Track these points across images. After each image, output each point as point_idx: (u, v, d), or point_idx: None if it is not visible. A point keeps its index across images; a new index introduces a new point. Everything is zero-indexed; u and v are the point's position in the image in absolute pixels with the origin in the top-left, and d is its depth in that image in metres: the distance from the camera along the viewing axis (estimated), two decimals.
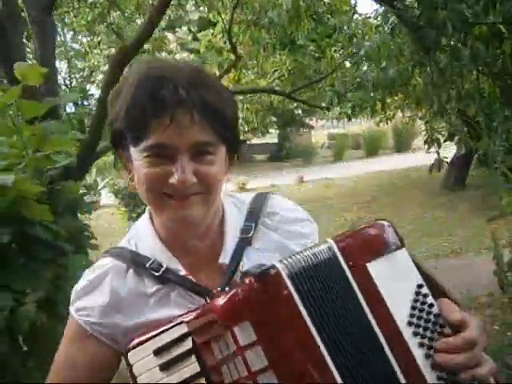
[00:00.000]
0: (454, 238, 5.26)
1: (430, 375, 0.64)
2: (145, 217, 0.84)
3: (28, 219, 1.47)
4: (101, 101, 2.14)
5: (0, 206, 1.25)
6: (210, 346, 0.64)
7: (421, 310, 0.67)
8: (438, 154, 2.61)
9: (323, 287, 0.66)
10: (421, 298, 0.67)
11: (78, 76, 17.09)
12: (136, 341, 0.68)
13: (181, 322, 0.66)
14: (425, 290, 0.68)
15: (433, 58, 2.39)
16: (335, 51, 3.17)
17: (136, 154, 0.72)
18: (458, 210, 6.75)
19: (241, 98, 7.76)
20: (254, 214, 0.84)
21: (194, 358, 0.64)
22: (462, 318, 0.66)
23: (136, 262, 0.78)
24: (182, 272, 0.77)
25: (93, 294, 0.78)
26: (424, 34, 2.20)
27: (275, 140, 18.85)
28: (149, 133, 0.69)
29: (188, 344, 0.65)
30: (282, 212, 0.86)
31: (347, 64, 2.88)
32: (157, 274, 0.76)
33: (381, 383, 0.64)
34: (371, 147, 16.66)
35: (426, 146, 3.12)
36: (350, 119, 3.01)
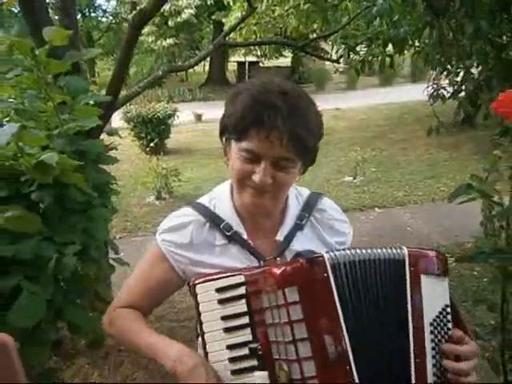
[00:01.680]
0: (453, 182, 5.42)
1: (430, 361, 0.86)
2: (226, 187, 1.07)
3: (65, 184, 1.72)
4: (119, 60, 2.25)
5: (46, 180, 1.47)
6: (260, 296, 0.87)
7: (441, 320, 0.88)
8: (438, 118, 2.72)
9: (369, 281, 0.86)
10: (444, 313, 0.89)
11: None
12: (204, 278, 0.91)
13: (240, 274, 0.90)
14: (448, 309, 0.89)
15: (441, 22, 2.44)
16: (350, 1, 3.15)
17: (235, 148, 0.95)
18: (463, 151, 6.83)
19: (254, 24, 7.57)
20: (309, 207, 1.08)
21: (244, 301, 0.88)
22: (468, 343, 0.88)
23: (213, 220, 1.02)
24: (245, 236, 1.02)
25: (176, 233, 1.03)
26: (434, 6, 2.25)
27: (289, 64, 18.29)
28: (248, 137, 0.91)
29: (242, 290, 0.89)
30: (330, 211, 1.10)
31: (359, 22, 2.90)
32: (227, 233, 1.01)
33: (394, 367, 0.84)
34: (386, 75, 16.17)
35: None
36: (358, 75, 3.08)
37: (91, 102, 2.15)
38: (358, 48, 3.15)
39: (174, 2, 11.32)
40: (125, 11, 15.74)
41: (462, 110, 2.66)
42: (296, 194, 1.10)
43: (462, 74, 2.67)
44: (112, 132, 2.55)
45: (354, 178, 5.94)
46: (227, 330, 0.89)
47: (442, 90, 3.20)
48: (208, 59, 19.69)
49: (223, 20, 10.98)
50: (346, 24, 3.02)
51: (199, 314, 0.91)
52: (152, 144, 7.03)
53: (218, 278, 0.91)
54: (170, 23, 14.09)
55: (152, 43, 14.79)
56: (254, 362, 0.87)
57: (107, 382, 2.56)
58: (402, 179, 5.90)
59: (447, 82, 3.09)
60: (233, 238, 1.01)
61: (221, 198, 1.06)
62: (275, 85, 0.93)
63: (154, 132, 7.30)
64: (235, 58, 21.25)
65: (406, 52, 3.31)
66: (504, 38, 2.35)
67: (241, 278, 0.89)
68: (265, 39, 4.64)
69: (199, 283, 0.91)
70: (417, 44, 3.07)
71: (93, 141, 2.14)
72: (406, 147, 7.56)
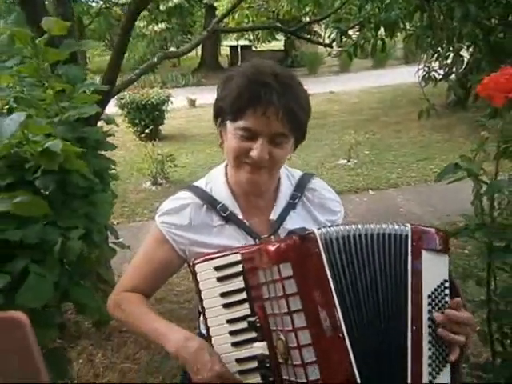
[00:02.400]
0: (445, 164, 5.48)
1: (427, 330, 0.89)
2: (221, 170, 1.12)
3: (68, 170, 1.76)
4: (116, 47, 2.28)
5: (52, 167, 1.52)
6: (256, 272, 0.91)
7: (439, 294, 0.91)
8: (429, 101, 2.78)
9: (365, 255, 0.89)
10: (442, 287, 0.91)
11: None
12: (203, 258, 0.96)
13: (237, 252, 0.94)
14: (447, 284, 0.92)
15: (431, 5, 2.49)
16: None
17: (231, 127, 0.99)
18: (455, 133, 6.91)
19: (247, 8, 7.53)
20: (301, 187, 1.13)
21: (241, 278, 0.93)
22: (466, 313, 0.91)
23: (210, 202, 1.07)
24: (241, 216, 1.06)
25: (176, 216, 1.07)
26: None
27: (282, 47, 18.16)
28: (245, 116, 0.95)
29: (239, 268, 0.93)
30: (321, 190, 1.15)
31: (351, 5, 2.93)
32: (223, 214, 1.06)
33: (388, 336, 0.88)
34: (379, 58, 16.12)
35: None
36: (351, 59, 3.11)
37: (90, 91, 2.19)
38: (350, 32, 3.18)
39: None
40: None
41: (453, 92, 2.71)
42: (288, 175, 1.15)
43: (452, 56, 2.72)
44: (110, 120, 2.58)
45: (348, 161, 6.01)
46: (226, 305, 0.93)
47: (434, 73, 3.24)
48: (200, 44, 19.50)
49: (215, 4, 10.89)
50: (338, 8, 3.06)
51: (199, 292, 0.95)
52: (147, 130, 7.03)
53: (216, 257, 0.95)
54: (162, 8, 13.94)
55: (144, 28, 14.65)
56: (253, 334, 0.92)
57: (111, 362, 2.66)
58: (395, 161, 5.99)
59: (438, 64, 3.13)
60: (229, 218, 1.06)
61: (216, 181, 1.11)
62: (266, 67, 0.98)
63: (148, 118, 7.30)
64: (227, 43, 21.04)
65: (397, 35, 3.34)
66: (492, 20, 2.40)
67: (237, 257, 0.94)
68: (257, 24, 4.64)
69: (198, 263, 0.96)
70: (408, 27, 3.10)
71: (92, 128, 2.19)
72: (399, 129, 7.64)
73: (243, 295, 0.93)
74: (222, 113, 1.02)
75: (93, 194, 2.03)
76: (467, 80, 2.71)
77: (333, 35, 3.22)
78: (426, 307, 0.89)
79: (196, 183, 1.13)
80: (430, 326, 0.89)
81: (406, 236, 0.90)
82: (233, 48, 19.54)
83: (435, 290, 0.91)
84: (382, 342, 0.87)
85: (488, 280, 1.47)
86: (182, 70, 16.95)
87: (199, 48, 20.64)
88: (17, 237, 1.63)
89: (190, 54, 22.85)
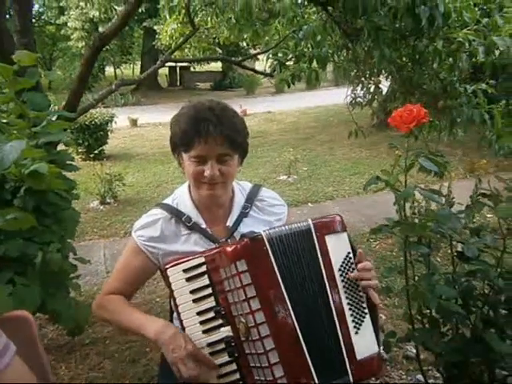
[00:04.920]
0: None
1: (344, 295, 1.12)
2: (185, 188, 1.34)
3: (44, 190, 1.95)
4: (79, 78, 2.49)
5: (40, 187, 1.72)
6: (218, 270, 1.09)
7: (346, 264, 1.15)
8: (356, 124, 3.24)
9: (293, 247, 1.09)
10: (348, 258, 1.16)
11: None
12: (173, 263, 1.14)
13: (201, 256, 1.13)
14: (351, 255, 1.16)
15: (354, 45, 2.96)
16: (280, 23, 3.62)
17: (186, 157, 1.23)
18: (380, 150, 7.62)
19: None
20: (251, 198, 1.37)
21: (206, 276, 1.11)
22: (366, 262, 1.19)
23: (177, 215, 1.29)
24: (203, 225, 1.29)
25: (149, 229, 1.28)
26: (347, 32, 2.75)
27: (220, 68, 18.63)
28: (193, 146, 1.19)
29: (203, 268, 1.12)
30: (268, 199, 1.40)
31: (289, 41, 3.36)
32: (188, 224, 1.28)
33: (319, 306, 1.09)
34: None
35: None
36: (288, 86, 3.53)
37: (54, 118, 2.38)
38: (287, 63, 3.60)
39: (104, 10, 11.25)
40: (51, 16, 15.21)
41: (376, 116, 3.20)
42: (240, 189, 1.38)
43: (373, 87, 3.22)
44: (68, 143, 2.76)
45: (288, 177, 6.46)
46: (195, 300, 1.11)
47: (359, 99, 3.73)
48: (139, 64, 19.47)
49: (155, 27, 11.10)
50: (276, 44, 3.47)
51: (172, 291, 1.12)
52: (96, 151, 7.06)
53: (183, 261, 1.13)
54: (101, 29, 13.89)
55: (82, 48, 14.48)
56: (220, 321, 1.09)
57: (76, 373, 2.75)
58: (330, 176, 6.52)
59: (362, 93, 3.63)
60: (193, 227, 1.28)
61: (181, 198, 1.33)
62: (204, 105, 1.22)
63: (91, 138, 7.32)
64: (166, 63, 21.15)
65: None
66: (403, 59, 2.91)
67: (202, 259, 1.13)
68: (207, 56, 4.98)
69: (169, 267, 1.14)
70: (336, 60, 3.58)
71: (61, 150, 2.38)
72: (332, 147, 8.26)
73: (209, 290, 1.11)
74: (176, 147, 1.27)
75: (60, 212, 2.22)
76: (387, 106, 3.20)
77: (272, 66, 3.61)
78: (338, 277, 1.13)
79: (164, 201, 1.36)
80: (345, 292, 1.13)
81: (310, 229, 1.13)
82: (172, 68, 19.75)
83: (343, 261, 1.15)
84: (314, 311, 1.09)
85: (405, 267, 1.85)
86: (120, 90, 16.82)
87: (136, 68, 20.58)
88: (0, 251, 1.80)
89: (127, 74, 22.59)
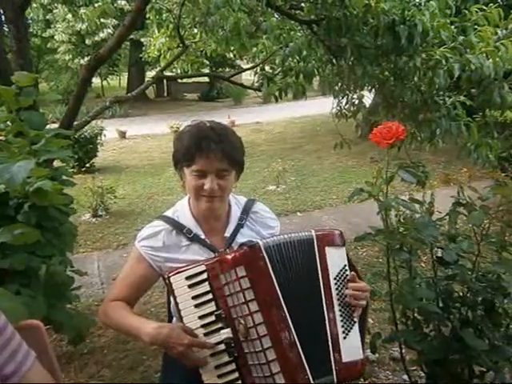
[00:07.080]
0: (359, 185, 6.24)
1: (337, 301, 1.20)
2: (185, 202, 1.42)
3: (45, 206, 2.03)
4: (75, 97, 2.59)
5: (44, 203, 1.82)
6: (218, 277, 1.16)
7: (342, 275, 1.23)
8: (342, 136, 3.39)
9: (292, 255, 1.17)
10: (343, 270, 1.23)
11: None
12: (175, 271, 1.20)
13: (202, 264, 1.19)
14: (347, 267, 1.24)
15: (338, 61, 3.12)
16: (267, 39, 3.78)
17: (187, 171, 1.32)
18: (366, 159, 7.77)
19: (176, 47, 8.00)
20: (246, 210, 1.45)
21: (207, 283, 1.18)
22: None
23: (177, 227, 1.36)
24: (203, 236, 1.36)
25: (152, 240, 1.35)
26: (332, 49, 2.91)
27: (207, 79, 18.79)
28: (195, 162, 1.28)
29: (204, 276, 1.18)
30: (261, 212, 1.48)
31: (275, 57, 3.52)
32: (188, 235, 1.35)
33: (312, 309, 1.18)
34: None
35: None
36: (276, 100, 3.67)
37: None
38: (275, 78, 3.74)
39: (91, 23, 11.36)
40: (37, 29, 15.26)
41: (360, 128, 3.35)
42: (236, 202, 1.47)
43: (357, 101, 3.37)
44: (65, 160, 2.85)
45: (277, 187, 6.60)
46: (197, 305, 1.17)
47: (344, 111, 3.88)
48: (126, 75, 19.54)
49: (142, 39, 11.24)
50: (264, 60, 3.62)
51: (175, 298, 1.18)
52: (88, 165, 7.12)
53: (185, 270, 1.20)
54: (88, 42, 13.99)
55: (69, 61, 14.53)
56: (220, 324, 1.15)
57: (75, 382, 2.80)
58: (318, 186, 6.67)
59: (347, 106, 3.78)
60: (194, 238, 1.35)
61: (182, 210, 1.41)
62: (205, 124, 1.33)
63: (81, 151, 7.37)
64: (153, 74, 21.26)
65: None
66: (385, 73, 3.07)
67: (202, 267, 1.19)
68: (196, 72, 5.13)
69: (172, 275, 1.20)
70: (322, 74, 3.73)
71: (59, 167, 2.47)
72: (320, 156, 8.44)
73: (210, 296, 1.17)
74: (179, 162, 1.35)
75: (60, 226, 2.31)
76: (370, 119, 3.36)
77: (260, 80, 3.76)
78: (333, 286, 1.21)
79: (165, 213, 1.43)
80: (338, 299, 1.21)
81: (312, 239, 1.22)
82: (159, 79, 19.79)
83: (338, 272, 1.23)
84: (308, 314, 1.17)
85: (388, 271, 1.98)
86: (106, 101, 16.85)
87: (124, 79, 20.63)
88: (6, 265, 1.88)
89: (112, 84, 22.45)
